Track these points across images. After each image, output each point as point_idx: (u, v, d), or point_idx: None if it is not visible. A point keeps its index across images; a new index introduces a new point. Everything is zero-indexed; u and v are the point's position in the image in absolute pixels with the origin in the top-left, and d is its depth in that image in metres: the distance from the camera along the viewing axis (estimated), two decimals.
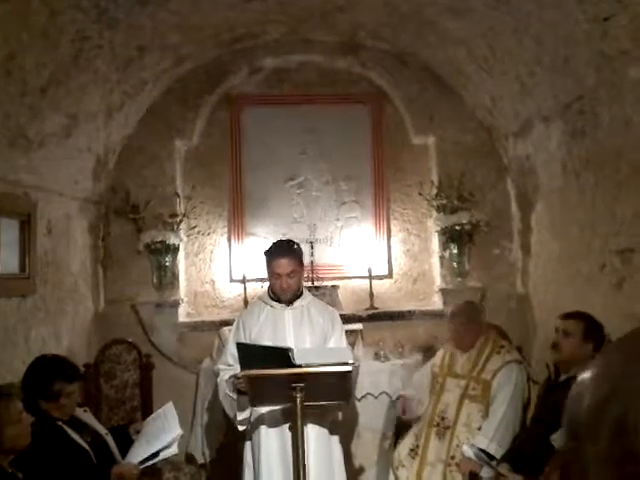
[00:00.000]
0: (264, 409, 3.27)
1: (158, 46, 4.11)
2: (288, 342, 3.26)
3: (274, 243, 3.48)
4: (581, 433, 0.67)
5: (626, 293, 3.31)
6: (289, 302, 3.40)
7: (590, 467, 0.65)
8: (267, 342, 3.26)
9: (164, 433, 3.09)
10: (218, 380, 3.38)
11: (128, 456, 3.01)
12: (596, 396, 0.66)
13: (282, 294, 3.37)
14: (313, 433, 3.21)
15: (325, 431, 3.33)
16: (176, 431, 3.12)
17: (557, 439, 2.72)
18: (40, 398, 2.81)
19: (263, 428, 3.30)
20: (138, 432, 3.17)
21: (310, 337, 3.36)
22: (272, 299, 3.42)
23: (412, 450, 3.65)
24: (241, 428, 3.35)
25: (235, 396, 3.23)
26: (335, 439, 3.40)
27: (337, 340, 3.41)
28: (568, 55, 3.31)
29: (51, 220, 3.87)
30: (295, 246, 3.44)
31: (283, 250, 3.36)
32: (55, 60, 3.26)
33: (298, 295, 3.42)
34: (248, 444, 3.40)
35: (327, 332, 3.41)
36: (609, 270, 3.46)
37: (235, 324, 3.49)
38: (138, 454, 3.00)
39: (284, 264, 3.31)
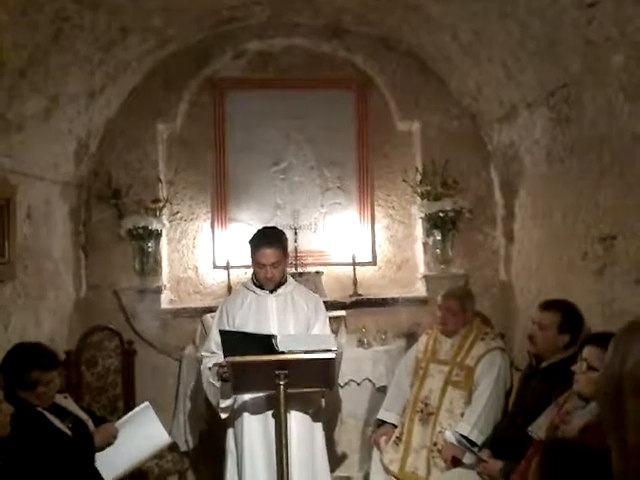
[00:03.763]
0: (247, 396, 3.26)
1: (141, 28, 4.03)
2: (272, 329, 3.25)
3: (258, 231, 3.44)
4: (624, 389, 0.78)
5: (607, 280, 3.33)
6: (273, 289, 3.39)
7: (630, 416, 0.76)
8: (251, 329, 3.25)
9: (142, 436, 3.09)
10: (201, 367, 3.36)
11: (108, 461, 2.99)
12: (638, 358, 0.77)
13: (266, 284, 3.36)
14: (295, 420, 3.21)
15: (308, 418, 3.33)
16: (163, 440, 3.15)
17: (535, 430, 2.74)
18: (17, 387, 2.78)
19: (246, 415, 3.29)
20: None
21: (294, 324, 3.35)
22: (256, 286, 3.41)
23: (397, 437, 3.66)
24: (224, 416, 3.34)
25: (219, 384, 3.22)
26: (318, 426, 3.40)
27: (320, 327, 3.41)
28: (554, 41, 3.30)
29: (31, 205, 3.80)
30: (280, 235, 3.41)
31: (267, 240, 3.33)
32: (34, 41, 3.18)
33: (282, 282, 3.41)
34: (230, 431, 3.39)
35: (311, 319, 3.40)
36: (591, 257, 3.48)
37: (219, 311, 3.47)
38: (121, 464, 3.00)
39: (268, 254, 3.29)
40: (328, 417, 3.78)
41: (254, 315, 3.36)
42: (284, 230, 3.57)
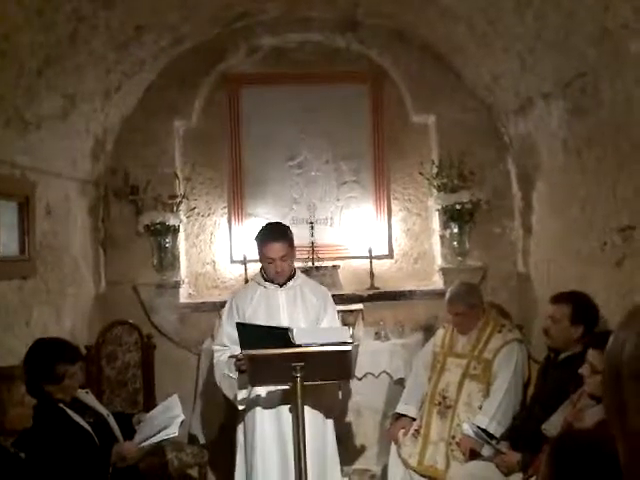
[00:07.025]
0: (260, 391, 3.28)
1: (156, 25, 4.06)
2: (282, 322, 3.28)
3: (264, 227, 3.46)
4: (623, 373, 0.81)
5: (626, 271, 3.30)
6: (283, 283, 3.41)
7: (630, 400, 0.80)
8: (261, 323, 3.27)
9: (164, 415, 3.12)
10: (214, 361, 3.39)
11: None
12: (638, 344, 0.81)
13: (276, 278, 3.38)
14: (308, 414, 3.22)
15: (320, 412, 3.35)
16: (176, 413, 3.15)
17: (549, 428, 2.73)
18: (44, 381, 2.83)
19: (258, 410, 3.31)
20: (141, 422, 3.19)
21: (303, 317, 3.37)
22: (265, 280, 3.43)
23: (415, 430, 3.67)
24: (241, 407, 3.37)
25: (236, 376, 3.24)
26: (330, 422, 3.42)
27: (330, 320, 3.44)
28: (569, 31, 3.27)
29: (50, 202, 3.86)
30: (286, 229, 3.44)
31: (274, 235, 3.35)
32: (51, 40, 3.22)
33: (291, 276, 3.43)
34: (241, 427, 3.41)
35: (320, 312, 3.43)
36: (610, 248, 3.45)
37: (228, 305, 3.50)
38: (139, 437, 3.03)
39: (277, 249, 3.31)
40: (345, 410, 3.79)
41: (264, 309, 3.39)
42: (301, 224, 3.59)
